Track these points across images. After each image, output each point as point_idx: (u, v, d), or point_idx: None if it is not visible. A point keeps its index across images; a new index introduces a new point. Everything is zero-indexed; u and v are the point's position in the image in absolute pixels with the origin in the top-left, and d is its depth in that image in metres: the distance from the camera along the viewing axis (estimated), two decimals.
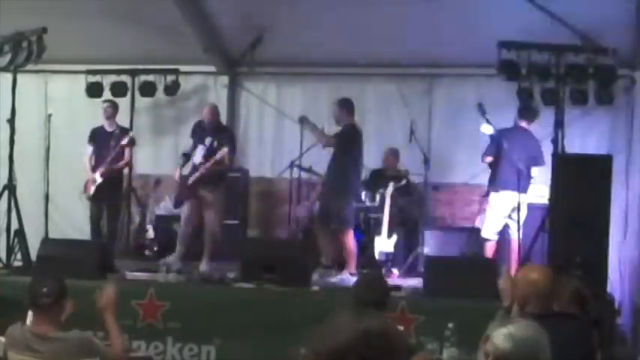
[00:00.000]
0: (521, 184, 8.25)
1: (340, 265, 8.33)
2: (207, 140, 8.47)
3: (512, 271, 7.36)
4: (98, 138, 9.37)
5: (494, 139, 8.46)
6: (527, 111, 8.64)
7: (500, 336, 2.83)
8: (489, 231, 8.48)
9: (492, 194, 8.50)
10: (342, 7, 8.73)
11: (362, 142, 8.32)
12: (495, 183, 8.50)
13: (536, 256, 7.69)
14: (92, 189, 9.18)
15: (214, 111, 8.71)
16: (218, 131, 8.61)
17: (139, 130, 10.22)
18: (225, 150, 8.31)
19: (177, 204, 8.70)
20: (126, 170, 9.59)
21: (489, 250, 8.41)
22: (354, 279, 7.57)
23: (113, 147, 9.21)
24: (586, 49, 8.34)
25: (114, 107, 9.51)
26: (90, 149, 9.37)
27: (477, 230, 8.75)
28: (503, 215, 8.41)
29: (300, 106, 9.75)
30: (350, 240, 8.24)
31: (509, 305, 4.47)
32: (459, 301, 6.54)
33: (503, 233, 8.49)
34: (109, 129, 9.40)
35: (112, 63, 10.04)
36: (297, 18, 9.04)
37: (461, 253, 8.69)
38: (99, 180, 9.14)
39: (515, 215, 8.24)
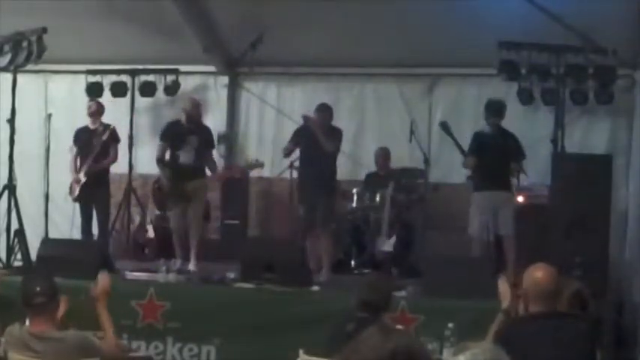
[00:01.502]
0: (504, 182, 8.21)
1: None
2: (193, 140, 8.36)
3: (510, 271, 7.36)
4: (81, 137, 9.16)
5: (472, 141, 8.37)
6: (493, 109, 8.38)
7: None
8: (474, 230, 8.42)
9: (475, 194, 8.43)
10: (343, 7, 8.73)
11: None
12: (477, 183, 8.42)
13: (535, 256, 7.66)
14: (77, 190, 8.97)
15: (201, 107, 8.69)
16: (202, 129, 8.55)
17: (139, 130, 10.23)
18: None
19: (168, 208, 8.60)
20: (111, 168, 9.35)
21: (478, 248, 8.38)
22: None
23: (96, 145, 9.03)
24: (586, 49, 8.35)
25: (98, 105, 9.31)
26: (75, 150, 9.16)
27: None
28: (487, 214, 8.34)
29: (300, 106, 9.73)
30: (333, 240, 8.29)
31: (508, 307, 4.47)
32: (459, 301, 6.53)
33: (496, 232, 8.43)
34: (91, 127, 9.18)
35: (112, 63, 10.03)
36: (297, 18, 9.03)
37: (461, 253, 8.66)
38: (83, 179, 8.94)
39: (503, 214, 8.17)
